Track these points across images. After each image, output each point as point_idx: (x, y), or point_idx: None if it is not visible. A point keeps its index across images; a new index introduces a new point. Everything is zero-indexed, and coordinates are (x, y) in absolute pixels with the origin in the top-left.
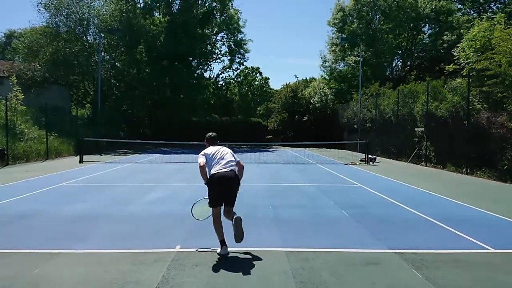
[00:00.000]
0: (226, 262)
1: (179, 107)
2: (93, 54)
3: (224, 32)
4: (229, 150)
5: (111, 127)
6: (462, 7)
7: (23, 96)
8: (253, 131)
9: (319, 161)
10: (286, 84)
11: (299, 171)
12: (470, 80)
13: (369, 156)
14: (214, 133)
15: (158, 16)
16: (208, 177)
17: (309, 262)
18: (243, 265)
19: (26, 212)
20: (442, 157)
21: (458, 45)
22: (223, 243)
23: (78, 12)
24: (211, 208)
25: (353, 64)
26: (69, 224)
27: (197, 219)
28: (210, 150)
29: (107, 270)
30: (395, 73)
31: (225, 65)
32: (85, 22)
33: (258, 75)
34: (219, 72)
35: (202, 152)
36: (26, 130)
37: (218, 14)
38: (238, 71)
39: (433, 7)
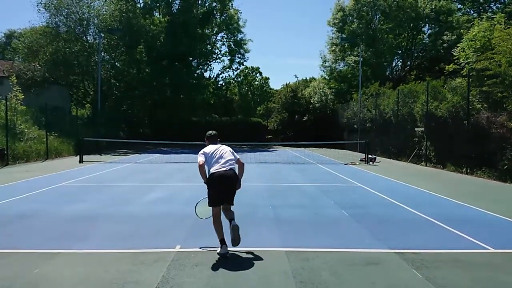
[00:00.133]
0: (226, 262)
1: (179, 107)
2: (93, 54)
3: (224, 32)
4: (229, 149)
5: (111, 127)
6: (462, 7)
7: (23, 96)
8: (253, 131)
9: (319, 161)
10: (286, 84)
11: (299, 171)
12: (470, 80)
13: (369, 156)
14: (214, 131)
15: (158, 16)
16: (207, 176)
17: (309, 262)
18: (243, 265)
19: (26, 212)
20: (442, 157)
21: (458, 45)
22: (223, 242)
23: (78, 12)
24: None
25: (353, 64)
26: (69, 224)
27: (201, 218)
28: (209, 148)
29: (107, 270)
30: (395, 73)
31: (225, 65)
32: (85, 22)
33: (258, 75)
34: (219, 72)
35: (202, 151)
36: (26, 130)
37: (218, 14)
38: (238, 71)
39: (433, 7)
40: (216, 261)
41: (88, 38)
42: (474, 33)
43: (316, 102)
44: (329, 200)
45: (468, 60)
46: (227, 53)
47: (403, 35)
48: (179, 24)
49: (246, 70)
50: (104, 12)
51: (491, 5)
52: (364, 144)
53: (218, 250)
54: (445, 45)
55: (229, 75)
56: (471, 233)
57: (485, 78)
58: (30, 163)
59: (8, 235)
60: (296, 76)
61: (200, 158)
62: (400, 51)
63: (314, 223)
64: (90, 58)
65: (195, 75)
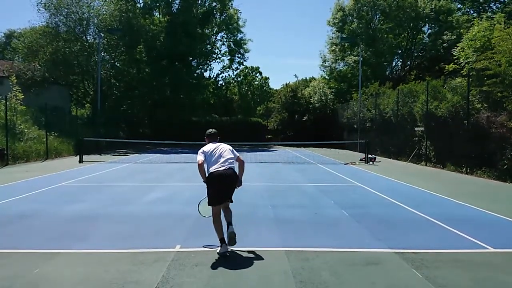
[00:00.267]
0: (226, 262)
1: (179, 107)
2: (93, 54)
3: (224, 32)
4: (229, 147)
5: (111, 127)
6: (462, 6)
7: (22, 96)
8: (253, 131)
9: (319, 161)
10: (286, 84)
11: (299, 171)
12: (470, 79)
13: (369, 155)
14: (214, 130)
15: (158, 16)
16: (206, 175)
17: (309, 262)
18: (243, 264)
19: (26, 212)
20: (442, 157)
21: (458, 44)
22: (222, 241)
23: (78, 12)
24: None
25: (353, 64)
26: (69, 224)
27: (204, 216)
28: (209, 147)
29: (107, 270)
30: (395, 72)
31: (225, 65)
32: (85, 22)
33: (258, 75)
34: (219, 72)
35: (201, 150)
36: (26, 130)
37: (218, 14)
38: (238, 71)
39: (433, 7)
40: (216, 260)
41: (88, 38)
42: (474, 33)
43: (316, 102)
44: (329, 200)
45: (468, 60)
46: (227, 53)
47: (403, 35)
48: (179, 24)
49: (246, 70)
50: (104, 12)
51: (491, 5)
52: (364, 144)
53: (218, 249)
54: (445, 45)
55: (229, 75)
56: (471, 233)
57: (485, 78)
58: (30, 163)
59: (8, 235)
60: (296, 76)
61: (199, 157)
62: (400, 51)
63: (314, 223)
64: (90, 58)
65: (195, 75)
